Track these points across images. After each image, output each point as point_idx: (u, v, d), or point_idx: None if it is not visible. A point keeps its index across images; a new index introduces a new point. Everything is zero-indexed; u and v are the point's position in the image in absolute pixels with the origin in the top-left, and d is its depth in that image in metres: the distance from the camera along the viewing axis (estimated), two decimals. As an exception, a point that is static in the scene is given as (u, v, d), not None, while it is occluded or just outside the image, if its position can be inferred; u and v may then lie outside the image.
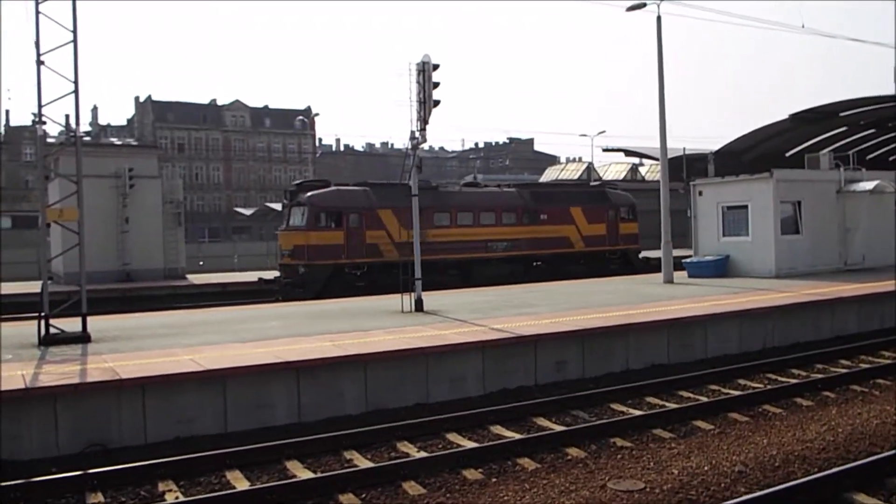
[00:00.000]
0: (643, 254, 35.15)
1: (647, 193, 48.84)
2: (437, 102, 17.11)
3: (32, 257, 40.17)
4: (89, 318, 13.91)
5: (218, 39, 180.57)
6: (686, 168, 41.20)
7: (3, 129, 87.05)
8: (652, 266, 34.14)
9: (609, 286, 23.22)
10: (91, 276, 17.28)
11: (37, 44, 13.17)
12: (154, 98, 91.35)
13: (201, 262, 45.02)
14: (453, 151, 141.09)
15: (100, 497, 8.03)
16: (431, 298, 18.43)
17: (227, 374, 10.59)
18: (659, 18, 23.23)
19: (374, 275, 27.17)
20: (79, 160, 13.85)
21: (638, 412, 11.06)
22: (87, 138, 63.05)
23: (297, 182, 31.49)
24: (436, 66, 17.10)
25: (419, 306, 17.39)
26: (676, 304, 17.15)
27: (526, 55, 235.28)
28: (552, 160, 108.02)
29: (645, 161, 66.58)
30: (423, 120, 17.14)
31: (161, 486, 8.30)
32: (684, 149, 45.37)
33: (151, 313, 19.52)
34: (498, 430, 10.37)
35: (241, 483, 8.42)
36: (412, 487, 8.19)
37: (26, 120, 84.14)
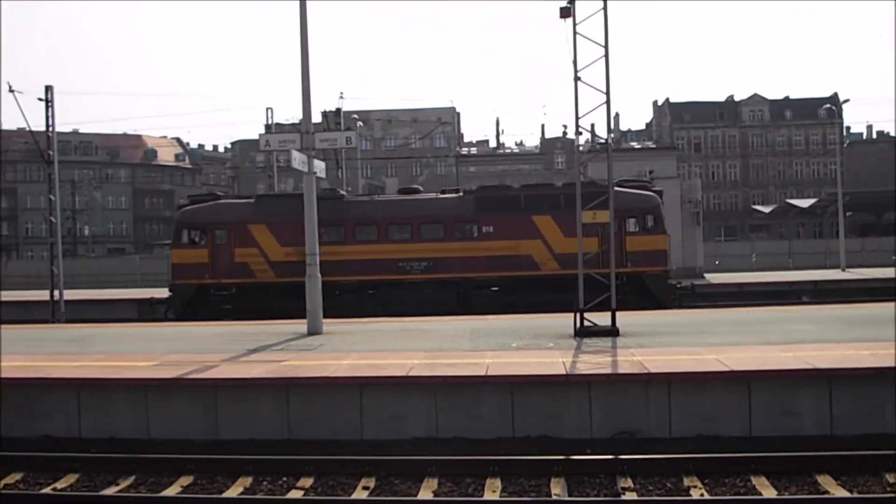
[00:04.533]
0: (687, 281, 27.35)
1: None
2: None
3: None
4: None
5: (736, 35, 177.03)
6: None
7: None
8: (702, 296, 25.75)
9: None
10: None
11: (574, 62, 14.59)
12: (671, 100, 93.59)
13: (717, 262, 45.05)
14: None
15: (629, 482, 8.52)
16: None
17: (751, 377, 10.40)
18: None
19: (243, 297, 25.15)
20: (609, 165, 15.02)
21: None
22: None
23: (189, 196, 30.88)
24: None
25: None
26: None
27: None
28: None
29: None
30: None
31: (686, 482, 8.49)
32: None
33: (672, 311, 20.13)
34: None
35: (767, 490, 8.20)
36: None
37: (558, 132, 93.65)
